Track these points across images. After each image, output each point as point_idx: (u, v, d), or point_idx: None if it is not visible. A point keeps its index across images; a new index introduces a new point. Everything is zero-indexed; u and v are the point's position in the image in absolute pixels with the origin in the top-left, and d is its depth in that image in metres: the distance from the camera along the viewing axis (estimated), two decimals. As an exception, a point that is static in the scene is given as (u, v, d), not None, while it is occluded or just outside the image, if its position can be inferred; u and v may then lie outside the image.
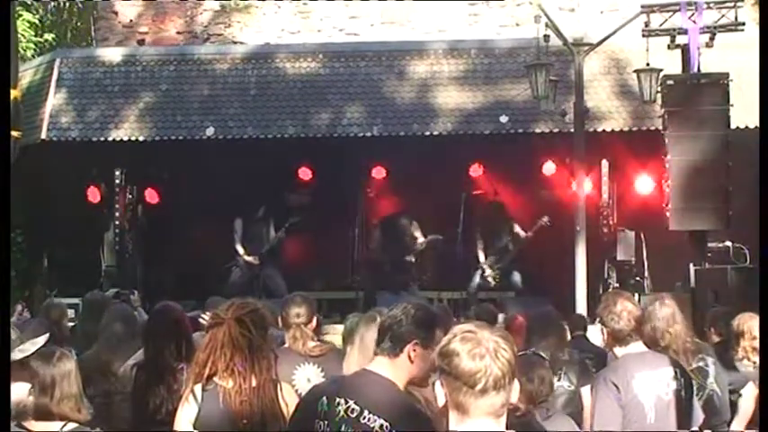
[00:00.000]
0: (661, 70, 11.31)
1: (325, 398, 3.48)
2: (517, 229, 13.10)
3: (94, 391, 5.27)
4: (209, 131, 12.75)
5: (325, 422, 3.44)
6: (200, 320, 5.86)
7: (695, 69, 11.07)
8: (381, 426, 3.34)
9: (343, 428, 3.40)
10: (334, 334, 8.98)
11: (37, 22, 18.29)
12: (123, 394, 5.32)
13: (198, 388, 4.13)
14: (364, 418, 3.37)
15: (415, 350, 3.47)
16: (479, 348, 2.59)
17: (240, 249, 13.40)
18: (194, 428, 4.14)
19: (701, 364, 5.63)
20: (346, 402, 3.41)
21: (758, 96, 8.24)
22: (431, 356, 3.43)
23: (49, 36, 18.48)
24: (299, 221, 13.47)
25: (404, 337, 3.49)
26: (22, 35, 16.64)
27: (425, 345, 3.48)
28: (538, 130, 12.46)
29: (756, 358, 6.08)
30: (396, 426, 3.34)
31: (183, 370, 5.03)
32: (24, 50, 16.74)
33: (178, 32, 16.98)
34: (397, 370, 3.48)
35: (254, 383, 4.09)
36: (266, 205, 13.43)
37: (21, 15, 16.88)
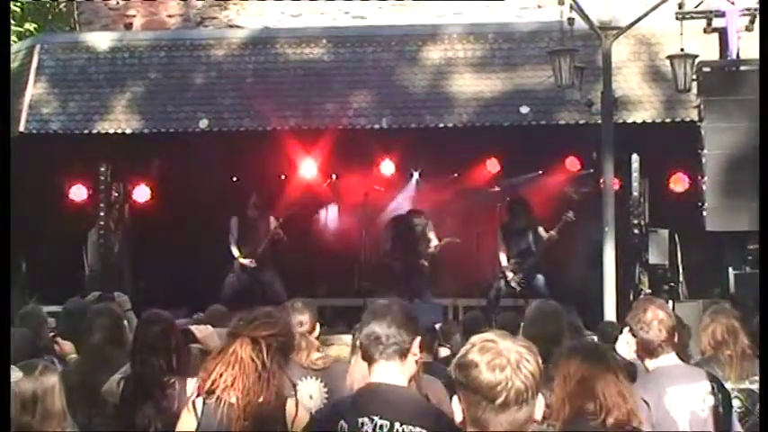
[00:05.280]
0: (696, 56, 11.27)
1: (343, 421, 3.54)
2: (540, 229, 13.03)
3: (76, 408, 5.26)
4: (203, 123, 12.75)
5: None
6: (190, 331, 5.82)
7: (734, 55, 11.04)
8: None
9: None
10: (340, 344, 8.99)
11: (18, 10, 18.33)
12: (106, 414, 5.31)
13: (199, 401, 4.13)
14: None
15: (420, 348, 3.73)
16: (500, 359, 2.55)
17: (235, 251, 13.30)
18: (194, 442, 4.14)
19: (753, 387, 5.59)
20: (371, 420, 3.48)
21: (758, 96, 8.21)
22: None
23: (30, 26, 18.53)
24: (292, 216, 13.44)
25: (409, 338, 3.69)
26: (3, 25, 16.72)
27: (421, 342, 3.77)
28: (562, 122, 12.43)
29: None
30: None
31: (174, 384, 5.02)
32: (6, 41, 16.81)
33: (169, 16, 16.96)
34: (403, 373, 3.66)
35: (259, 400, 4.08)
36: (265, 204, 13.38)
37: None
